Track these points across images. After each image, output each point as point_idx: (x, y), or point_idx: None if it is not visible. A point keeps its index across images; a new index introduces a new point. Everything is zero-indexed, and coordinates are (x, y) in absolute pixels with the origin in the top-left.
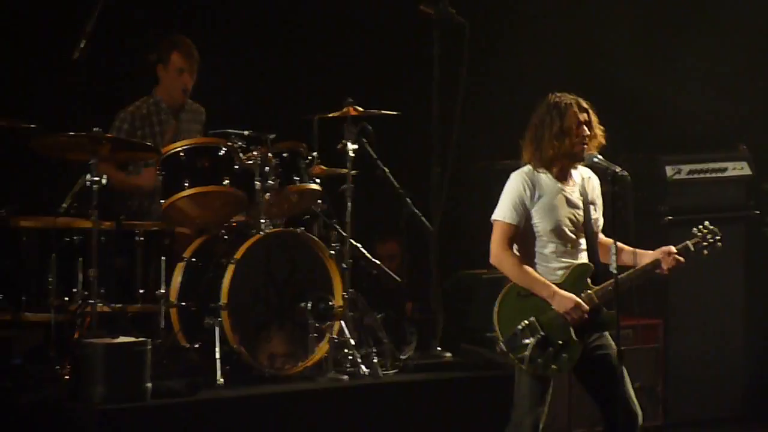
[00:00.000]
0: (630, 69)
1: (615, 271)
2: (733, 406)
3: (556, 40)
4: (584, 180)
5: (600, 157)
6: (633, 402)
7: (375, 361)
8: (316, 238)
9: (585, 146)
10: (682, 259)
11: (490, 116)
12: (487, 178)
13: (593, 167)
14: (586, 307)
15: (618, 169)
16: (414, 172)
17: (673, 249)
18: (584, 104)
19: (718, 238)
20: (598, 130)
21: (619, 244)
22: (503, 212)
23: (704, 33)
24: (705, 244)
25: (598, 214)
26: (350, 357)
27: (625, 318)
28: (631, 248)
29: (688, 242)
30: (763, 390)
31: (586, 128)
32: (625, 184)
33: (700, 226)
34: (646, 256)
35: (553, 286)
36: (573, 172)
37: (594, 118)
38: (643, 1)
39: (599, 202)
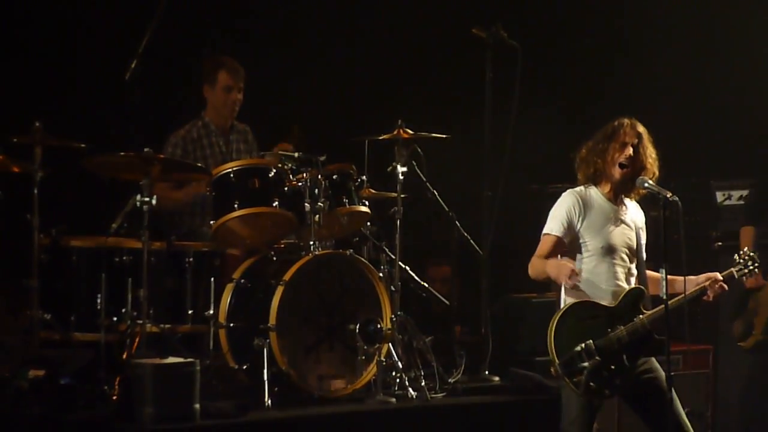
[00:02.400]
0: (679, 92)
1: (665, 296)
2: None
3: (606, 62)
4: (633, 209)
5: (651, 181)
6: (686, 426)
7: (423, 384)
8: (366, 261)
9: (621, 169)
10: (726, 286)
11: (541, 139)
12: (538, 201)
13: (645, 191)
14: (578, 278)
15: (669, 194)
16: (464, 195)
17: (719, 276)
18: (639, 129)
19: (757, 264)
20: (649, 158)
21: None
22: (549, 226)
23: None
24: (746, 271)
25: (643, 243)
26: (398, 380)
27: (675, 343)
28: (677, 277)
29: (733, 269)
30: None
31: (630, 150)
32: (675, 209)
33: (741, 252)
34: (693, 284)
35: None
36: (625, 199)
37: (646, 147)
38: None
39: (644, 233)
